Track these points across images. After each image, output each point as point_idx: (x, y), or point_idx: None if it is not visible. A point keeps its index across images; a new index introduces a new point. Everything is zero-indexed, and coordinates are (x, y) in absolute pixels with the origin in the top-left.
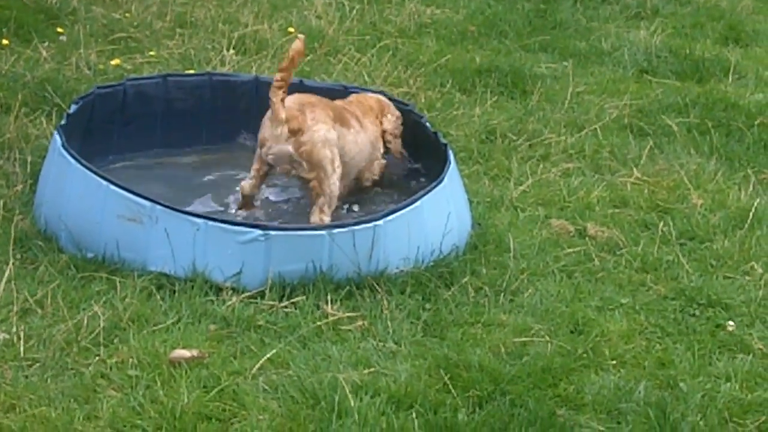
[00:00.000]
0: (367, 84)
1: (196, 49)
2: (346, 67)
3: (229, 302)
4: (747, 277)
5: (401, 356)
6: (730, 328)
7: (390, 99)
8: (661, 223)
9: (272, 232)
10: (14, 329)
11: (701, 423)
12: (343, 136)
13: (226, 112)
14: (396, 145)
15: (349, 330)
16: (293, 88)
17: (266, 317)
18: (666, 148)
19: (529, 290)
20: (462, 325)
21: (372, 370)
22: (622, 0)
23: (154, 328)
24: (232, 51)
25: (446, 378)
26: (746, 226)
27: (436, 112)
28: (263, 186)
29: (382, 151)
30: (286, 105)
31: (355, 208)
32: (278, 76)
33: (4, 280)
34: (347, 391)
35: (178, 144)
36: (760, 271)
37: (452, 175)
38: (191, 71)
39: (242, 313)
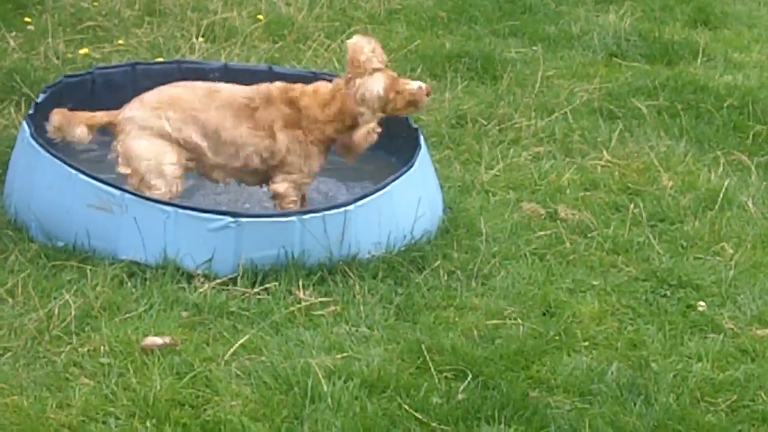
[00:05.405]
0: (337, 71)
1: (165, 37)
2: (316, 53)
3: (201, 289)
4: (717, 258)
5: (374, 341)
6: (701, 309)
7: None
8: (632, 205)
9: (243, 219)
10: None
11: (673, 403)
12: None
13: None
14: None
15: (322, 315)
16: (262, 76)
17: (238, 303)
18: (636, 131)
19: (501, 273)
20: (434, 308)
21: (345, 354)
22: None
23: (126, 315)
24: (201, 39)
25: (419, 362)
26: (716, 207)
27: None
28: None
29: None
30: None
31: (325, 192)
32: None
33: None
34: (320, 376)
35: None
36: (731, 251)
37: (423, 160)
38: (160, 59)
39: (214, 300)
